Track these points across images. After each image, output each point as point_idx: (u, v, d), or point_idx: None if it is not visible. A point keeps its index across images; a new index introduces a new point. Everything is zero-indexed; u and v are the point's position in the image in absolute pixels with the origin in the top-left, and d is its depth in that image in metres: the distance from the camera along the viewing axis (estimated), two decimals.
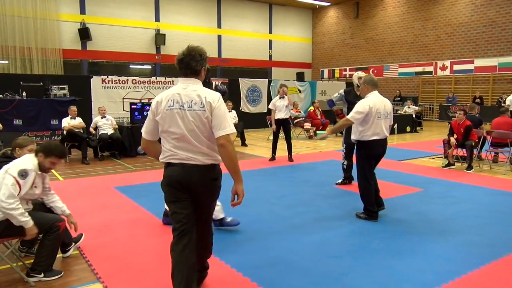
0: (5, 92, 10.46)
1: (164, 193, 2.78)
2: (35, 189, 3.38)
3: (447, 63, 19.40)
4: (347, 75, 23.50)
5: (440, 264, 3.60)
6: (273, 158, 9.00)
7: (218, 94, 2.71)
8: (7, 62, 16.50)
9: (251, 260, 3.68)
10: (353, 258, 3.73)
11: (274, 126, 8.86)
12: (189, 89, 2.69)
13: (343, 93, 6.66)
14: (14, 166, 3.26)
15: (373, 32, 22.68)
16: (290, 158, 8.90)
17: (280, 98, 9.05)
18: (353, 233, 4.40)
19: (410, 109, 16.07)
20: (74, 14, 18.15)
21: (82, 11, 18.33)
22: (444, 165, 8.23)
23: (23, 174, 3.22)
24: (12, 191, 3.15)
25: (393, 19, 21.59)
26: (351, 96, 6.45)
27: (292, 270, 3.47)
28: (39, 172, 3.37)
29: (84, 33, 18.01)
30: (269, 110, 9.26)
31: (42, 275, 3.32)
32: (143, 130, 2.81)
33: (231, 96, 14.37)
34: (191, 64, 2.69)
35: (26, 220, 3.19)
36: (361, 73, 6.37)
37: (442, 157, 8.59)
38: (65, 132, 8.98)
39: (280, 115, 8.87)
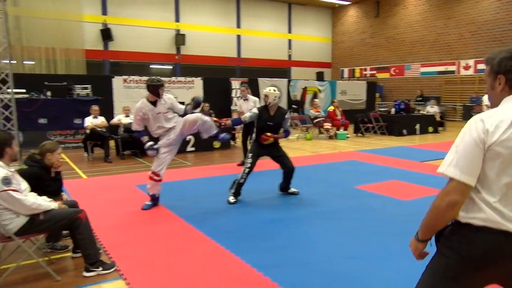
0: (31, 92, 10.72)
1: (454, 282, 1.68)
2: (22, 185, 3.39)
3: (471, 62, 18.98)
4: (368, 75, 23.29)
5: None
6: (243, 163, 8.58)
7: None
8: (33, 62, 16.90)
9: (271, 260, 3.68)
10: (369, 260, 3.69)
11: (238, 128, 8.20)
12: None
13: (257, 112, 5.83)
14: None
15: (394, 31, 22.38)
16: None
17: (243, 100, 8.64)
18: (371, 234, 4.35)
19: (433, 109, 15.81)
20: (96, 15, 18.46)
21: (104, 12, 18.63)
22: None
23: (7, 181, 3.15)
24: (20, 197, 3.19)
25: (414, 18, 21.25)
26: (266, 115, 5.78)
27: (310, 271, 3.46)
28: (11, 170, 3.33)
29: (106, 34, 18.30)
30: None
31: (101, 269, 3.43)
32: (464, 172, 1.60)
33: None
34: None
35: (48, 206, 3.36)
36: (272, 89, 5.79)
37: None
38: (88, 131, 9.16)
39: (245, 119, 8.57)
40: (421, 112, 15.89)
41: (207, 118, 5.44)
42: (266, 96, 5.76)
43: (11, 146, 3.35)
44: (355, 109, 18.01)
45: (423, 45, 21.06)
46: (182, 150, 10.11)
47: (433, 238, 1.81)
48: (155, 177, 5.31)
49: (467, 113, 18.38)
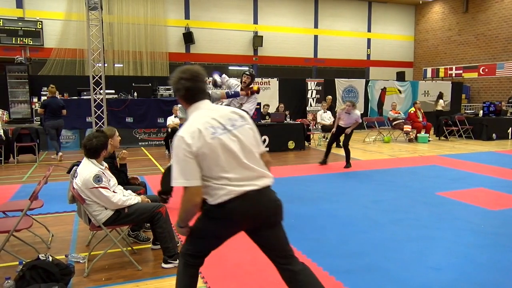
0: (120, 93, 11.56)
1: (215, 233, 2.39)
2: (111, 181, 3.63)
3: None
4: (453, 75, 21.80)
5: None
6: (324, 162, 8.56)
7: None
8: (122, 65, 18.20)
9: (345, 265, 3.60)
10: (456, 272, 3.45)
11: (334, 130, 8.60)
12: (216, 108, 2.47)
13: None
14: (84, 181, 3.38)
15: (485, 27, 20.72)
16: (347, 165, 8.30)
17: (345, 113, 8.54)
18: (457, 245, 4.07)
19: None
20: (180, 20, 19.36)
21: (187, 16, 19.48)
22: None
23: (98, 179, 3.40)
24: (108, 195, 3.43)
25: (511, 12, 19.50)
26: None
27: (388, 279, 3.32)
28: (102, 168, 3.58)
29: (188, 37, 19.14)
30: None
31: (178, 261, 3.59)
32: (189, 179, 2.19)
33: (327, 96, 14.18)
34: (203, 87, 2.41)
35: (132, 200, 3.60)
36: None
37: None
38: (169, 130, 9.65)
39: (341, 122, 8.48)
40: None
41: None
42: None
43: (107, 148, 3.64)
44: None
45: None
46: None
47: None
48: None
49: None
